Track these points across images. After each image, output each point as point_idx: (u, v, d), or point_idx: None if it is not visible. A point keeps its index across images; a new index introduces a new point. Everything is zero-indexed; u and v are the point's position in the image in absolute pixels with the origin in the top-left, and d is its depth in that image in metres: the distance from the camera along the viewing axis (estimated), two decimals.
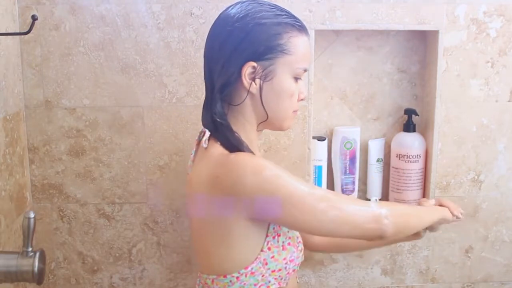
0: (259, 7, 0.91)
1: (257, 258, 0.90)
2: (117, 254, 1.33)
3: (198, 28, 1.23)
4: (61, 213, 1.30)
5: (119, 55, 1.23)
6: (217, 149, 0.90)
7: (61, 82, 1.24)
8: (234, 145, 0.90)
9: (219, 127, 0.91)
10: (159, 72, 1.25)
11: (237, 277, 0.89)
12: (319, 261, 1.38)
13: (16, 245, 1.15)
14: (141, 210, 1.31)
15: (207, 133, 0.93)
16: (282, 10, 0.92)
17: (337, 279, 1.39)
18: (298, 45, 0.91)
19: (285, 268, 0.93)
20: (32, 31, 1.04)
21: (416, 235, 1.10)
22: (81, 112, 1.25)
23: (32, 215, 0.88)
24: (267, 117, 0.93)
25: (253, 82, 0.90)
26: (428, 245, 1.38)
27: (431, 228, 1.07)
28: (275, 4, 0.93)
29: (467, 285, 1.42)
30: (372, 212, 0.90)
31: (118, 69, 1.24)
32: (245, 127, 0.95)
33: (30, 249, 0.87)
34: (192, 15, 1.23)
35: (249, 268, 0.89)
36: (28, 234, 0.87)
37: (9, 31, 1.15)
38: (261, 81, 0.90)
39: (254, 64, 0.89)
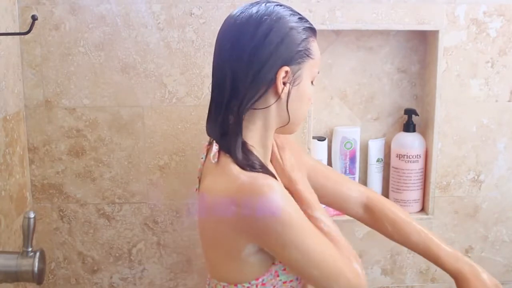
0: (284, 11, 0.88)
1: (268, 270, 0.89)
2: (117, 254, 1.33)
3: (198, 28, 1.23)
4: (61, 213, 1.30)
5: (119, 55, 1.23)
6: (230, 166, 0.85)
7: (61, 82, 1.24)
8: (244, 162, 0.85)
9: (228, 140, 0.87)
10: (159, 72, 1.25)
11: (248, 287, 0.89)
12: None
13: (16, 245, 1.15)
14: (141, 210, 1.31)
15: (214, 147, 0.88)
16: (299, 13, 0.91)
17: None
18: (316, 49, 0.92)
19: (297, 279, 0.92)
20: (32, 31, 1.04)
21: None
22: (81, 112, 1.25)
23: (32, 215, 0.88)
24: (289, 121, 0.91)
25: (284, 87, 0.88)
26: None
27: None
28: (290, 7, 0.91)
29: None
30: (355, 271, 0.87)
31: (118, 69, 1.24)
32: (261, 132, 0.91)
33: (30, 249, 0.87)
34: (192, 15, 1.23)
35: (260, 280, 0.89)
36: (28, 234, 0.87)
37: (9, 31, 1.15)
38: (290, 86, 0.88)
39: (288, 68, 0.87)
